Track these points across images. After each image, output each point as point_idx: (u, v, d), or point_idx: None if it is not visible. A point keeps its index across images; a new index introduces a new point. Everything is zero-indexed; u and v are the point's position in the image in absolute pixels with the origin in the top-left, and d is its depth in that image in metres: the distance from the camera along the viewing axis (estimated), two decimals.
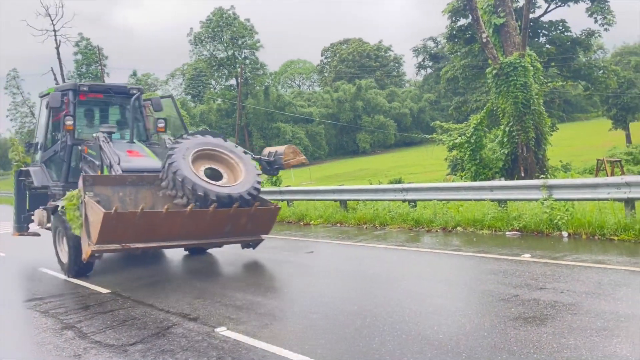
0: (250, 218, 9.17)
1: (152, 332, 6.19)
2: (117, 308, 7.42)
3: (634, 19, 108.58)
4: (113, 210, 7.92)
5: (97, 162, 9.66)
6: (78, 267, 9.55)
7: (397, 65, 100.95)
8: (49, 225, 11.07)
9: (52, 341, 6.19)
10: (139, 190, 8.92)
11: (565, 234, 11.18)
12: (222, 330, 5.99)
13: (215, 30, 78.08)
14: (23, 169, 12.36)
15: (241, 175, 9.24)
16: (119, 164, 9.24)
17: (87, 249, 8.35)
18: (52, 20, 50.82)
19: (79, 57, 69.76)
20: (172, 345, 5.65)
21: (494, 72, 19.13)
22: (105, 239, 8.13)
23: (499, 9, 20.09)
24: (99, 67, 59.45)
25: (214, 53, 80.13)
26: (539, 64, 20.34)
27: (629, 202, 10.78)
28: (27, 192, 12.31)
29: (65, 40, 52.85)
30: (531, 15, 33.77)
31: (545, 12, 40.53)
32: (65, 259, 9.93)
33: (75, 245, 9.24)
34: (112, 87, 11.61)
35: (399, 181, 28.84)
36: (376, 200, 15.79)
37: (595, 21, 38.77)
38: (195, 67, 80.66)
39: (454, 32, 40.39)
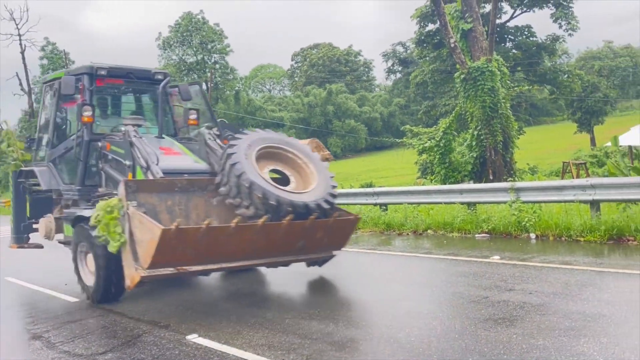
0: (327, 231, 7.70)
1: (122, 340, 6.10)
2: (86, 317, 7.29)
3: (598, 25, 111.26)
4: (173, 226, 6.31)
5: (126, 162, 8.03)
6: (107, 291, 7.80)
7: (367, 70, 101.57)
8: (59, 237, 9.48)
9: (19, 352, 6.05)
10: (190, 198, 7.44)
11: (533, 235, 11.38)
12: (193, 338, 5.93)
13: (184, 34, 77.45)
14: (24, 168, 10.44)
15: (313, 179, 7.72)
16: (157, 164, 7.65)
17: (133, 275, 6.68)
18: (16, 24, 49.96)
19: (45, 61, 68.50)
20: (142, 354, 5.57)
21: (462, 76, 19.40)
22: (159, 262, 6.53)
23: (467, 14, 20.39)
24: None
25: (183, 57, 79.44)
26: (505, 69, 20.72)
27: (594, 204, 11.03)
28: (28, 197, 10.38)
29: (31, 45, 51.99)
30: (497, 21, 34.34)
31: (511, 17, 41.32)
32: (90, 281, 8.02)
33: (106, 266, 7.56)
34: (134, 71, 9.71)
35: (370, 185, 28.97)
36: (348, 204, 15.84)
37: (560, 26, 39.74)
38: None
39: (423, 37, 40.87)
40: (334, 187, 7.78)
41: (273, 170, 7.77)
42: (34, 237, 10.42)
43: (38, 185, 9.83)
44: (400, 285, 8.08)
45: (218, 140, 8.53)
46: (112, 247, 6.90)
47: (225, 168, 7.31)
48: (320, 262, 8.70)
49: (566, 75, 43.60)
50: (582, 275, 7.67)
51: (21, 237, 10.41)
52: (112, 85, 9.60)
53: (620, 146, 23.20)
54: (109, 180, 8.48)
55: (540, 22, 41.89)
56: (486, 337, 5.32)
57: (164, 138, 8.91)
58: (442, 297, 7.22)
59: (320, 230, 7.58)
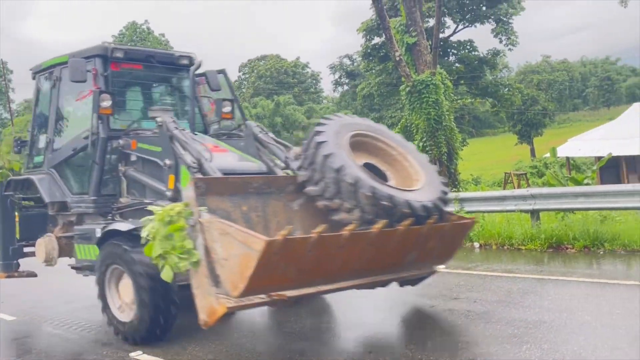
0: (440, 239, 6.14)
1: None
2: (23, 336, 6.99)
3: (536, 40, 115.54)
4: (280, 236, 4.68)
5: (165, 162, 6.35)
6: (155, 326, 5.90)
7: (314, 81, 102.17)
8: (72, 261, 7.54)
9: None
10: (267, 202, 5.90)
11: (476, 244, 11.64)
12: (137, 355, 5.76)
13: (129, 44, 76.20)
14: (13, 178, 8.60)
15: (416, 175, 6.14)
16: (210, 161, 6.04)
17: (213, 306, 4.91)
18: None
19: None
20: None
21: (407, 89, 19.74)
22: (255, 287, 4.86)
23: (411, 28, 20.78)
24: (3, 82, 56.48)
25: None
26: (449, 82, 21.23)
27: (534, 213, 11.37)
28: (17, 214, 8.31)
29: None
30: (441, 35, 35.19)
31: (454, 32, 42.44)
32: (126, 315, 6.15)
33: (152, 291, 5.80)
34: (154, 54, 8.09)
35: None
36: None
37: (500, 41, 41.16)
38: None
39: (369, 51, 41.47)
40: (445, 184, 6.29)
41: (367, 164, 6.09)
42: (24, 264, 8.44)
43: (29, 199, 8.26)
44: (348, 297, 8.09)
45: (271, 134, 7.11)
46: (175, 270, 5.15)
47: (315, 161, 5.65)
48: (415, 281, 6.94)
49: (507, 89, 45.12)
50: (524, 283, 7.88)
51: (10, 264, 8.33)
52: (129, 71, 7.85)
53: (558, 157, 24.10)
54: (134, 187, 7.01)
55: (482, 37, 43.24)
56: (432, 346, 5.38)
57: (196, 134, 7.23)
58: (390, 307, 7.28)
59: (433, 239, 6.01)
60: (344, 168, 5.46)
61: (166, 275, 5.16)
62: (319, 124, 6.03)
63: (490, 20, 40.49)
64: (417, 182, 6.04)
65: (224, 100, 7.98)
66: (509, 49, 41.72)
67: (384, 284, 6.39)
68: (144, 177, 6.80)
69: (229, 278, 4.83)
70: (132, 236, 5.95)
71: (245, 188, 5.78)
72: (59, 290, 9.86)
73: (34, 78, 8.54)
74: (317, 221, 5.47)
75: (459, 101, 27.81)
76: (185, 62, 8.10)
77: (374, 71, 43.11)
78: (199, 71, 7.91)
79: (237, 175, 6.00)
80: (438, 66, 20.97)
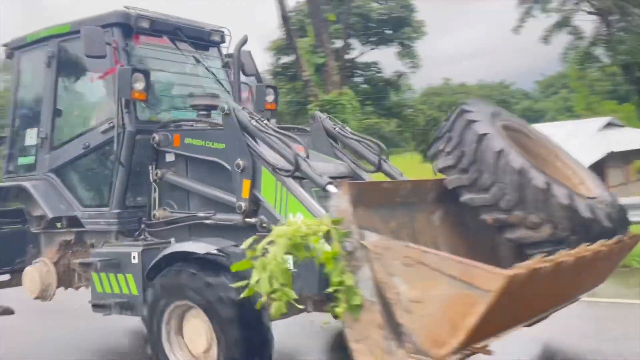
0: (613, 258, 4.69)
1: None
2: None
3: (438, 63, 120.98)
4: (522, 270, 3.09)
5: (236, 163, 4.70)
6: None
7: None
8: (82, 290, 6.07)
9: None
10: (412, 215, 4.39)
11: None
12: None
13: None
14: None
15: (579, 179, 4.73)
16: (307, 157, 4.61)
17: None
18: None
19: None
20: None
21: (316, 108, 20.15)
22: (471, 342, 3.34)
23: (319, 49, 21.27)
24: None
25: None
26: (355, 102, 21.84)
27: None
28: None
29: None
30: (348, 57, 36.12)
31: (361, 54, 43.69)
32: None
33: (243, 326, 4.22)
34: (182, 26, 6.23)
35: None
36: None
37: (404, 64, 42.83)
38: None
39: (278, 69, 41.85)
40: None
41: None
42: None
43: (3, 215, 6.62)
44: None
45: (349, 128, 5.74)
46: (346, 312, 3.44)
47: (482, 159, 4.09)
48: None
49: (411, 110, 46.90)
50: None
51: None
52: (153, 47, 6.11)
53: None
54: (171, 197, 5.40)
55: (388, 60, 44.75)
56: None
57: None
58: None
59: (611, 258, 4.58)
60: (527, 169, 3.94)
61: (277, 311, 3.52)
62: (464, 110, 4.41)
63: (394, 43, 42.06)
64: (582, 186, 4.63)
65: (267, 86, 6.59)
66: (413, 72, 43.58)
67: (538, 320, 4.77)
68: (192, 183, 5.23)
69: (425, 329, 3.28)
70: (198, 260, 4.58)
71: (392, 197, 4.28)
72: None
73: (9, 57, 6.70)
74: (461, 241, 4.45)
75: (365, 121, 28.59)
76: (216, 38, 6.66)
77: (283, 90, 43.49)
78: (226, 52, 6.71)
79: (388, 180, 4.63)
80: (345, 86, 21.57)
